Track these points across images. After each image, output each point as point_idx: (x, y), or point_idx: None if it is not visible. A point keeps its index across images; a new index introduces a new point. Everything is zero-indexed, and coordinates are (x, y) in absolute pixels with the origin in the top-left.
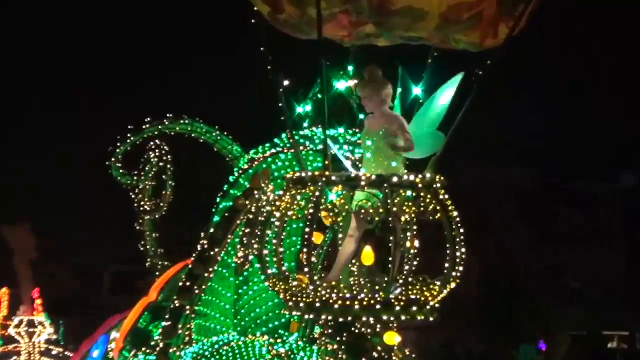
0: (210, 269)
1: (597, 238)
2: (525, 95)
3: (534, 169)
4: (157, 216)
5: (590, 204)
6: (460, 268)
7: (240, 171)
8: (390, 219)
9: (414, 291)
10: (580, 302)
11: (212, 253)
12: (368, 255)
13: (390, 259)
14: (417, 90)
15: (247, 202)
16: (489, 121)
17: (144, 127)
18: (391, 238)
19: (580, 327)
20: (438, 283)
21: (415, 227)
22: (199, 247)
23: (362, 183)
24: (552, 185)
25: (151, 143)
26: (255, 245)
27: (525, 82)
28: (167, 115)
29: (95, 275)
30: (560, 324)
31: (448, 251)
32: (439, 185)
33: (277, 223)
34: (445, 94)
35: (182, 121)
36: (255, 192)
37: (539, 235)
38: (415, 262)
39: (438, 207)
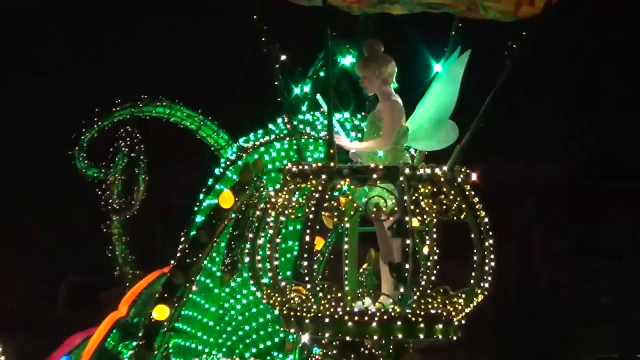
0: (193, 279)
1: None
2: (561, 77)
3: (568, 166)
4: (127, 216)
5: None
6: (489, 278)
7: (227, 163)
8: (406, 219)
9: (435, 305)
10: (612, 321)
11: (194, 259)
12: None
13: (406, 266)
14: (437, 68)
15: (235, 199)
16: (515, 108)
17: (113, 110)
18: (407, 242)
19: (610, 349)
20: (463, 296)
21: (435, 230)
22: (178, 253)
23: (375, 176)
24: (589, 186)
25: (121, 130)
26: (246, 251)
27: (561, 62)
28: (142, 96)
29: (49, 288)
30: (589, 345)
31: (475, 258)
32: (463, 179)
33: (272, 224)
34: (452, 76)
35: (159, 103)
36: (246, 187)
37: (572, 243)
38: (435, 271)
39: (463, 206)
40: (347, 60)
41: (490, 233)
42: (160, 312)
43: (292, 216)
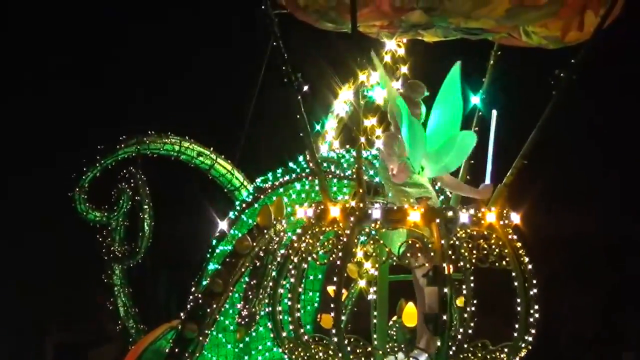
0: (207, 332)
1: None
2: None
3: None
4: (131, 265)
5: None
6: (533, 331)
7: (243, 205)
8: (444, 265)
9: None
10: None
11: (208, 310)
12: (411, 314)
13: (444, 317)
14: (475, 100)
15: (253, 245)
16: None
17: (117, 146)
18: (445, 290)
19: None
20: (505, 350)
21: (472, 277)
22: (190, 304)
23: (409, 218)
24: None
25: (124, 171)
26: (265, 301)
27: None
28: (149, 132)
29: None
30: None
31: (519, 309)
32: (506, 222)
33: (293, 272)
34: (450, 90)
35: (167, 140)
36: (265, 231)
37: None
38: (472, 323)
39: (506, 251)
40: (377, 93)
41: (534, 282)
42: None
43: (317, 262)
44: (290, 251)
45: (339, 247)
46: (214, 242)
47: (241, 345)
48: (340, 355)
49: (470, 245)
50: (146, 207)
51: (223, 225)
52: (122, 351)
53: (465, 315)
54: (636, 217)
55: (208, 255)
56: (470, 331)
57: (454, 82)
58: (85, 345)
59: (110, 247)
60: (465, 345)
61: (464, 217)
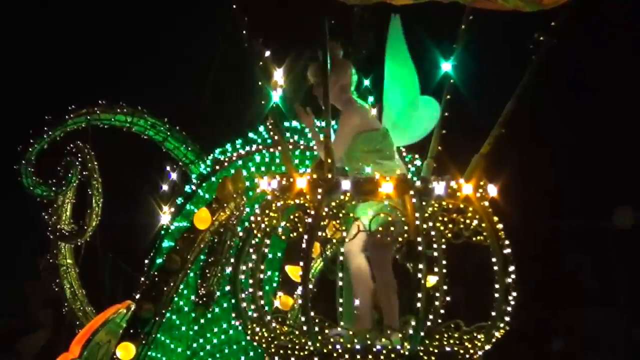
0: (163, 311)
1: None
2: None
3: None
4: (79, 244)
5: None
6: (509, 309)
7: (200, 179)
8: (418, 240)
9: (451, 342)
10: None
11: (165, 289)
12: None
13: (416, 296)
14: (446, 67)
15: (212, 220)
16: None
17: (66, 117)
18: (420, 267)
19: None
20: (483, 330)
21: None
22: (145, 283)
23: (382, 190)
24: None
25: (71, 145)
26: (228, 280)
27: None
28: (99, 101)
29: None
30: None
31: (497, 286)
32: (482, 194)
33: (255, 249)
34: (397, 50)
35: (119, 110)
36: (225, 205)
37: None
38: (444, 302)
39: (484, 225)
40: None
41: (511, 259)
42: (125, 351)
43: (283, 237)
44: (253, 225)
45: (306, 221)
46: (170, 217)
47: (196, 328)
48: (306, 336)
49: (445, 219)
50: (95, 182)
51: (165, 219)
52: (53, 337)
53: (437, 294)
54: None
55: (162, 233)
56: (442, 311)
57: (398, 40)
58: (12, 333)
59: (56, 225)
60: (437, 327)
61: (439, 188)
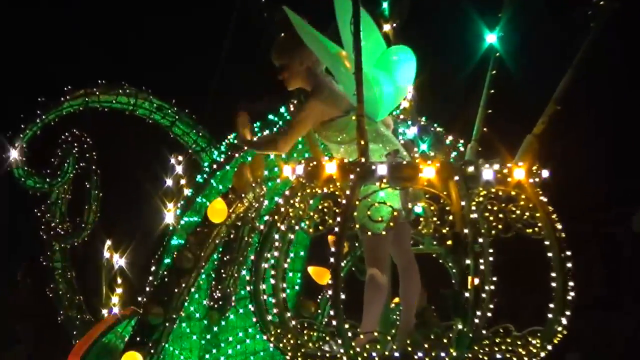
0: (174, 316)
1: None
2: None
3: None
4: (75, 243)
5: None
6: (568, 312)
7: (213, 167)
8: (465, 232)
9: (503, 348)
10: None
11: (176, 291)
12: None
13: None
14: (491, 38)
15: (229, 213)
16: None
17: (62, 99)
18: (467, 262)
19: None
20: (538, 335)
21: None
22: (154, 284)
23: (423, 175)
24: None
25: (66, 134)
26: (248, 278)
27: None
28: (99, 81)
29: None
30: None
31: (555, 285)
32: (536, 180)
33: (277, 244)
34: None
35: (121, 91)
36: (242, 196)
37: None
38: (491, 305)
39: (538, 215)
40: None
41: (569, 253)
42: None
43: (311, 231)
44: (276, 217)
45: (337, 211)
46: (179, 212)
47: (208, 337)
48: (340, 342)
49: (494, 209)
50: (93, 175)
51: (170, 217)
52: (33, 352)
53: (484, 295)
54: None
55: (171, 228)
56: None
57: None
58: None
59: (50, 222)
60: (484, 332)
61: (487, 173)
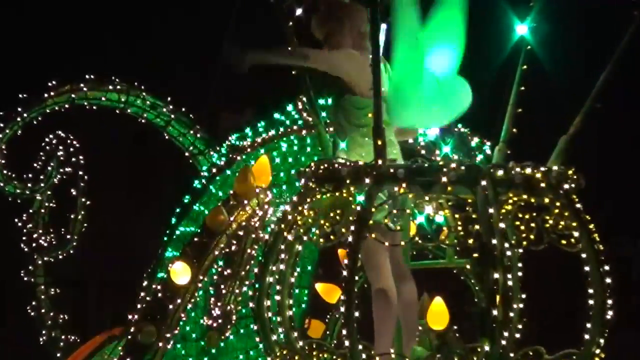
0: (168, 335)
1: None
2: None
3: None
4: (59, 256)
5: None
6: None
7: (213, 171)
8: (493, 242)
9: None
10: None
11: (170, 307)
12: (440, 312)
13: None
14: (522, 29)
15: (230, 221)
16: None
17: (45, 95)
18: (496, 276)
19: None
20: (573, 358)
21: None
22: (146, 301)
23: (446, 179)
24: None
25: (51, 136)
26: (251, 294)
27: None
28: (87, 76)
29: None
30: None
31: (593, 302)
32: (572, 185)
33: (283, 256)
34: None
35: (111, 87)
36: (244, 202)
37: None
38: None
39: (574, 224)
40: None
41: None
42: None
43: (321, 241)
44: (282, 226)
45: (351, 219)
46: (173, 220)
47: (205, 359)
48: None
49: (526, 217)
50: (80, 180)
51: None
52: None
53: (512, 314)
54: None
55: (165, 239)
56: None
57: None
58: None
59: (32, 234)
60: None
61: (517, 177)
